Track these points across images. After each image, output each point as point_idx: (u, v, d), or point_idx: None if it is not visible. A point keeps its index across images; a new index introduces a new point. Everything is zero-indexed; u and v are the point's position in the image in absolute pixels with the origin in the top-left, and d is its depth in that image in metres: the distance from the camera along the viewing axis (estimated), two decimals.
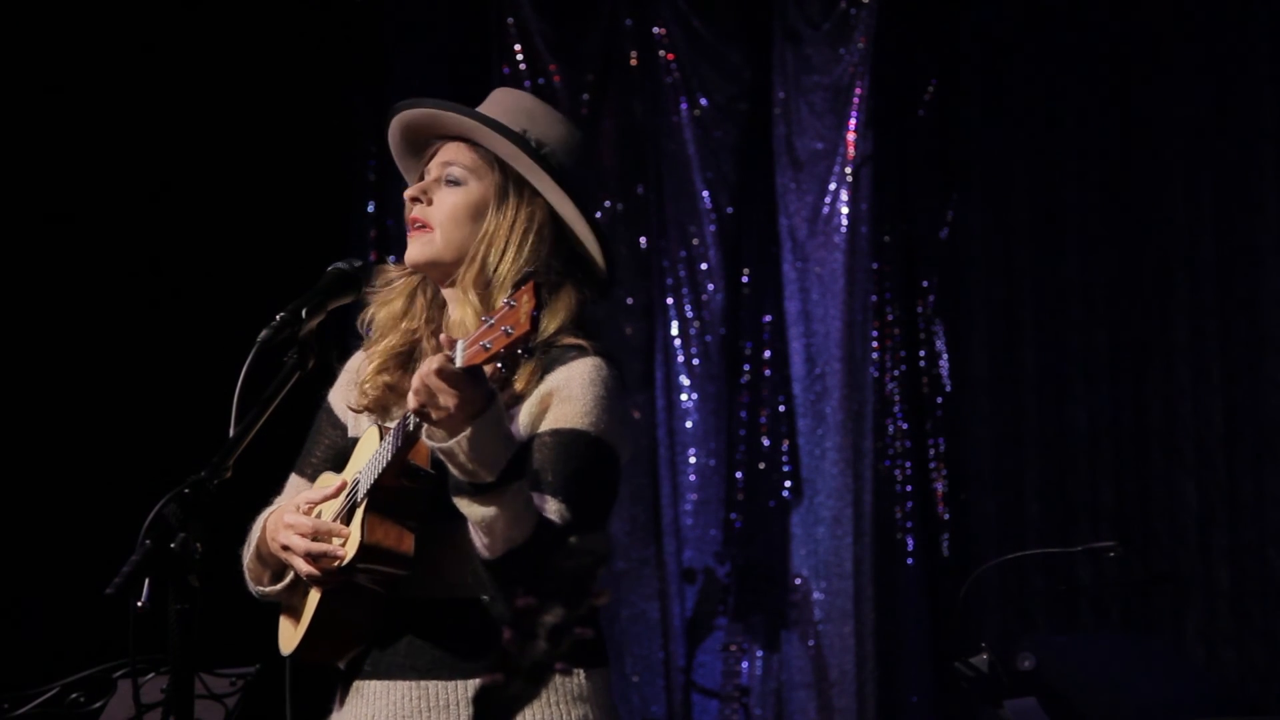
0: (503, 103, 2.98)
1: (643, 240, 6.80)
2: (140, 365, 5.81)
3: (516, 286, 2.47)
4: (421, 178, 2.93)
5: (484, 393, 2.53)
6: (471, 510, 2.60)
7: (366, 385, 2.89)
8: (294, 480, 3.01)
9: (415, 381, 2.53)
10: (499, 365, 2.45)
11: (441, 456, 2.58)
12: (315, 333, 2.77)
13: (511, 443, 2.61)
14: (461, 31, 6.79)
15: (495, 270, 2.81)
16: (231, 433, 2.59)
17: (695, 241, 6.81)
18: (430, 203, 2.87)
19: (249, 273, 5.64)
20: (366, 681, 2.82)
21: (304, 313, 2.70)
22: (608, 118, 6.83)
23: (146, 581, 2.39)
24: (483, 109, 2.97)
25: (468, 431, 2.52)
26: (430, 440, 2.57)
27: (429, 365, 2.51)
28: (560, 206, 2.88)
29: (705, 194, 6.80)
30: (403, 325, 2.91)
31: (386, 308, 2.91)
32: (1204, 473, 6.13)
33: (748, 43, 6.82)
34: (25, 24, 5.82)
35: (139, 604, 2.38)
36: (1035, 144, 6.47)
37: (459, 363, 2.47)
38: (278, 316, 2.69)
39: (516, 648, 1.76)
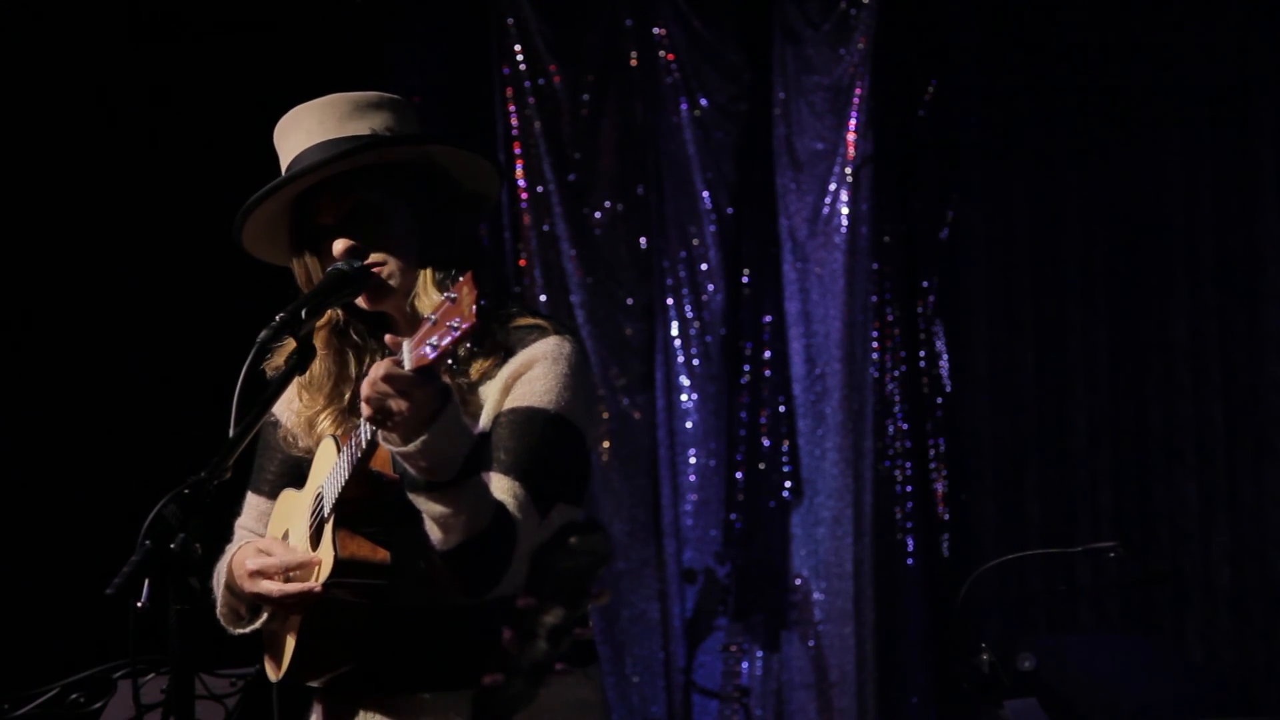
0: (325, 118, 2.84)
1: (643, 240, 6.80)
2: (140, 365, 5.81)
3: (453, 279, 2.42)
4: (311, 231, 2.83)
5: (438, 392, 2.49)
6: (429, 507, 2.57)
7: (322, 429, 2.84)
8: (252, 499, 2.98)
9: (365, 389, 2.48)
10: (450, 363, 2.41)
11: (399, 459, 2.55)
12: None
13: (469, 438, 2.58)
14: (461, 31, 6.79)
15: (448, 271, 2.74)
16: (231, 433, 2.58)
17: (695, 242, 6.81)
18: (363, 246, 2.78)
19: (248, 273, 5.63)
20: (359, 696, 2.80)
21: (304, 313, 2.68)
22: (608, 118, 6.83)
23: (146, 581, 2.38)
24: (307, 137, 2.83)
25: (425, 436, 2.50)
26: (387, 445, 2.54)
27: (376, 372, 2.47)
28: (442, 158, 2.85)
29: (705, 194, 6.80)
30: (343, 372, 2.84)
31: (322, 360, 2.84)
32: (1204, 473, 6.13)
33: (748, 43, 6.82)
34: (26, 23, 5.82)
35: (139, 604, 2.38)
36: (1035, 144, 6.47)
37: (407, 365, 2.43)
38: (277, 317, 2.68)
39: (516, 648, 1.76)
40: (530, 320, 2.80)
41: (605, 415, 6.73)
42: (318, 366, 2.84)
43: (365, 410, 2.50)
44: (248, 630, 2.85)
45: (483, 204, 2.96)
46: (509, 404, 2.72)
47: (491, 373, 2.75)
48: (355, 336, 2.87)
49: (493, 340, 2.75)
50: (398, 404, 2.47)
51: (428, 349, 2.40)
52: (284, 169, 2.88)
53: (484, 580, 2.64)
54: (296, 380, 2.82)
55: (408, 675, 2.76)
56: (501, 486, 2.65)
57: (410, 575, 2.69)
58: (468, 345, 2.40)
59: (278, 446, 2.95)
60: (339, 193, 2.80)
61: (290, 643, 2.77)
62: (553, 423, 2.71)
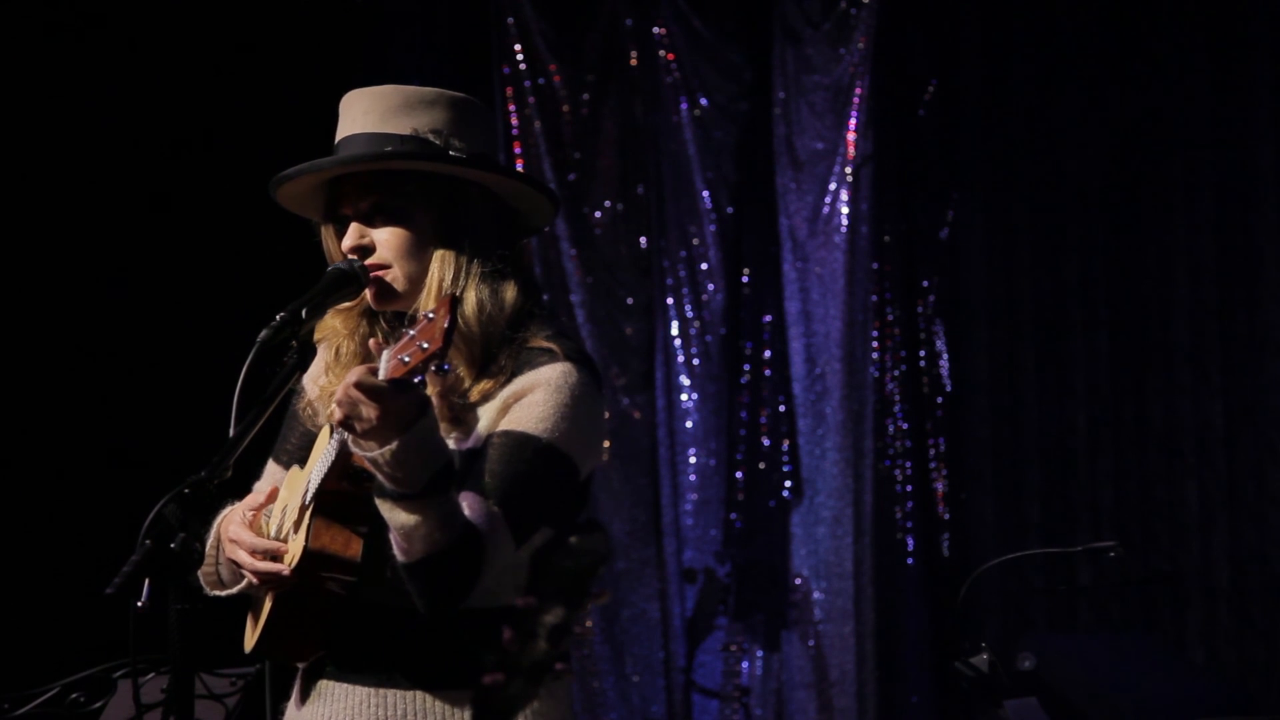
0: (371, 109, 2.84)
1: (643, 240, 6.80)
2: (140, 365, 5.81)
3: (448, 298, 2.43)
4: (335, 218, 2.84)
5: (413, 403, 2.49)
6: (392, 516, 2.57)
7: (334, 412, 2.86)
8: (271, 467, 2.99)
9: (339, 393, 2.50)
10: (416, 380, 2.42)
11: (367, 465, 2.56)
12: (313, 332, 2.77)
13: (442, 455, 2.57)
14: (461, 32, 6.80)
15: (456, 283, 2.75)
16: (231, 433, 2.59)
17: (695, 241, 6.81)
18: (373, 244, 2.78)
19: (249, 273, 5.64)
20: (326, 682, 2.80)
21: (304, 313, 2.68)
22: (608, 118, 6.83)
23: (146, 581, 2.39)
24: (353, 124, 2.84)
25: (393, 445, 2.49)
26: (356, 449, 2.55)
27: (350, 377, 2.48)
28: (482, 179, 2.83)
29: (705, 194, 6.80)
30: (369, 354, 2.78)
31: (349, 340, 2.85)
32: (1204, 473, 6.13)
33: (748, 43, 6.82)
34: (25, 24, 5.83)
35: (139, 604, 2.38)
36: (1035, 143, 6.47)
37: (382, 374, 2.45)
38: (278, 316, 2.68)
39: (515, 648, 1.76)
40: (544, 343, 2.76)
41: (605, 415, 6.72)
42: (345, 346, 2.85)
43: (336, 413, 2.51)
44: (224, 594, 2.85)
45: (528, 221, 2.93)
46: (502, 426, 2.70)
47: (493, 393, 2.73)
48: (383, 321, 2.87)
49: (498, 363, 2.74)
50: (369, 410, 2.47)
51: (401, 362, 2.42)
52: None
53: (442, 597, 2.63)
54: (323, 357, 2.85)
55: (376, 668, 2.76)
56: (478, 509, 2.62)
57: (384, 575, 2.69)
58: (434, 368, 2.40)
59: (300, 418, 2.95)
60: (361, 188, 2.81)
61: (263, 618, 2.78)
62: (544, 451, 2.68)
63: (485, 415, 2.73)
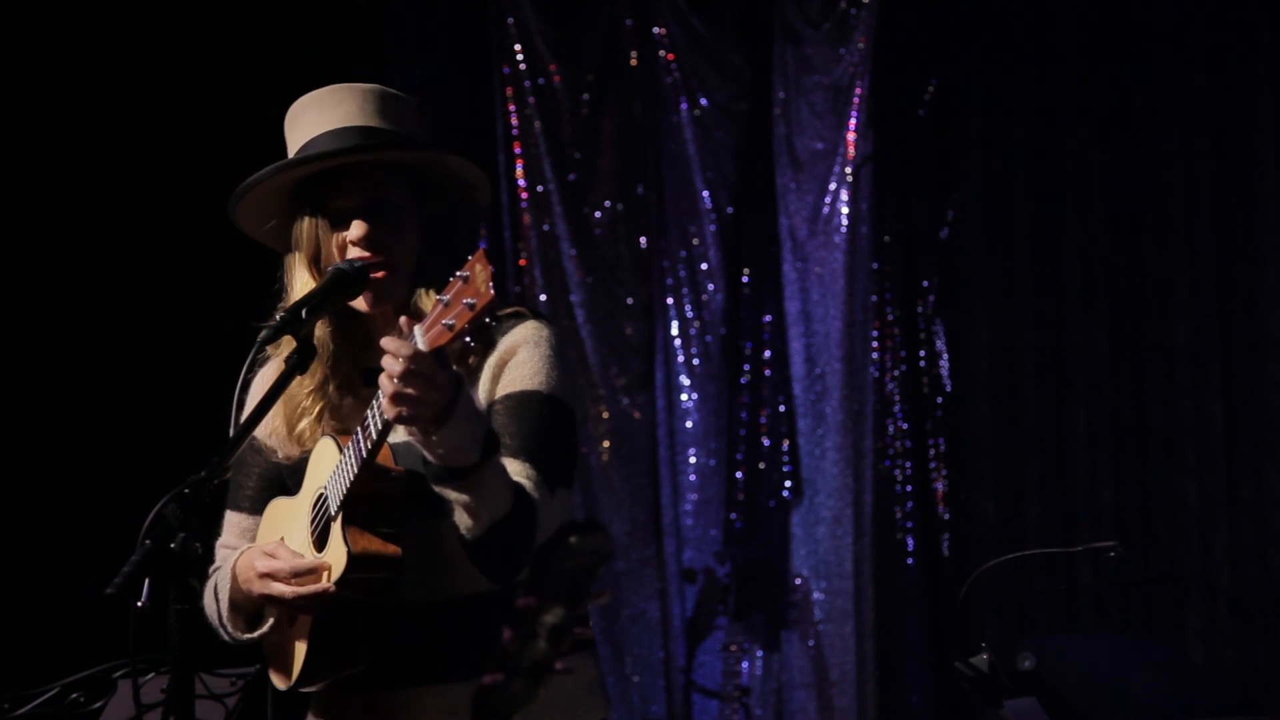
0: (365, 105, 2.84)
1: (643, 240, 6.79)
2: (140, 365, 5.81)
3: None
4: (330, 209, 2.82)
5: (451, 376, 2.49)
6: (457, 496, 2.58)
7: (304, 434, 2.84)
8: (232, 518, 2.96)
9: (384, 380, 2.46)
10: (467, 340, 2.40)
11: (421, 449, 2.55)
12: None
13: (485, 420, 2.60)
14: (461, 31, 6.79)
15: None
16: (232, 433, 2.58)
17: (695, 241, 6.81)
18: (381, 238, 2.78)
19: (249, 273, 5.63)
20: (368, 693, 2.79)
21: (304, 313, 2.68)
22: (608, 118, 6.83)
23: (146, 581, 2.38)
24: (345, 118, 2.84)
25: (449, 422, 2.49)
26: (411, 436, 2.54)
27: (394, 364, 2.45)
28: (455, 166, 2.87)
29: (705, 194, 6.80)
30: (328, 360, 2.85)
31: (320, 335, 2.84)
32: (1204, 473, 6.13)
33: (748, 43, 6.82)
34: (27, 24, 5.83)
35: (139, 604, 2.38)
36: (1035, 144, 6.46)
37: (422, 348, 2.43)
38: (278, 316, 2.68)
39: (516, 647, 1.76)
40: (506, 309, 2.82)
41: (605, 415, 6.73)
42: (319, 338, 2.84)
43: (387, 406, 2.48)
44: (251, 637, 2.84)
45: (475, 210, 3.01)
46: (502, 390, 2.75)
47: (480, 365, 2.78)
48: (337, 325, 2.86)
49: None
50: (419, 390, 2.46)
51: (445, 327, 2.39)
52: (299, 146, 2.87)
53: (510, 563, 2.65)
54: (276, 367, 2.84)
55: (414, 669, 2.76)
56: (514, 470, 2.66)
57: (415, 569, 2.69)
58: (488, 321, 2.39)
59: (253, 461, 2.93)
60: (366, 183, 2.80)
61: (300, 650, 2.76)
62: (547, 403, 2.74)
63: (481, 386, 2.77)
